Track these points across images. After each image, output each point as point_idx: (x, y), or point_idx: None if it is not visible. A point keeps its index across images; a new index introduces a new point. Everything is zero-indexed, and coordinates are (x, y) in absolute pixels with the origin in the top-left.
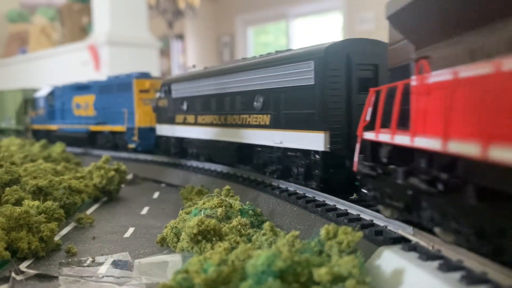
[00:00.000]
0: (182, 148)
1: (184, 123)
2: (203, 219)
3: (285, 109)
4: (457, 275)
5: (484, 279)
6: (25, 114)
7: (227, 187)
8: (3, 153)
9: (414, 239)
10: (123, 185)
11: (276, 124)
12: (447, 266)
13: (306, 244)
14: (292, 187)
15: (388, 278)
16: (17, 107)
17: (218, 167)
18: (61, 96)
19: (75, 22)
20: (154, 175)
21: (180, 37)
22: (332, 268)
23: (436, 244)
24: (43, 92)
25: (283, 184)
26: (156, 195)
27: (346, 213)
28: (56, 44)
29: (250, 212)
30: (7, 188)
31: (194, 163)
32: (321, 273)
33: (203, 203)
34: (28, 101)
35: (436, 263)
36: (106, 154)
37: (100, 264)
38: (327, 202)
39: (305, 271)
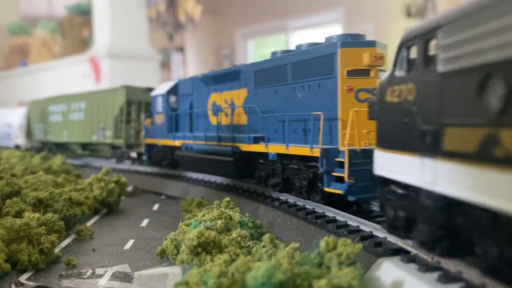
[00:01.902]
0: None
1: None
2: (203, 231)
3: None
4: (456, 286)
5: None
6: (128, 122)
7: (227, 199)
8: (3, 165)
9: (413, 250)
10: (123, 197)
11: None
12: (446, 277)
13: (305, 256)
14: (292, 198)
15: None
16: (117, 112)
17: (218, 179)
18: (189, 94)
19: (76, 35)
20: (154, 187)
21: (181, 49)
22: (332, 280)
23: (435, 255)
24: (162, 88)
25: (282, 196)
26: (156, 207)
27: (345, 225)
28: (57, 56)
29: (250, 224)
30: (8, 200)
31: (194, 175)
32: (320, 285)
33: (203, 215)
34: (134, 104)
35: (435, 275)
36: (106, 166)
37: (100, 276)
38: (327, 213)
39: (305, 283)
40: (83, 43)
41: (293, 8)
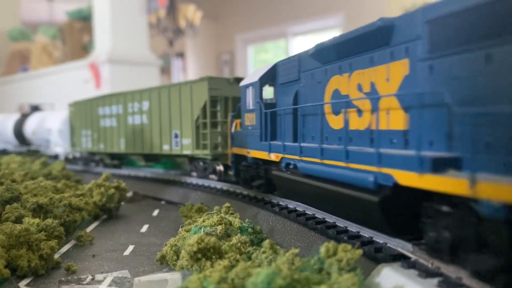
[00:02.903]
0: None
1: None
2: (203, 237)
3: None
4: None
5: None
6: (214, 126)
7: (227, 204)
8: (3, 171)
9: (413, 256)
10: (123, 203)
11: None
12: (447, 283)
13: (306, 262)
14: (292, 204)
15: None
16: (197, 113)
17: (218, 184)
18: (294, 81)
19: (76, 41)
20: (154, 193)
21: (181, 55)
22: (332, 286)
23: (435, 261)
24: (255, 75)
25: (282, 201)
26: (156, 212)
27: (345, 230)
28: (57, 62)
29: (250, 229)
30: (8, 206)
31: (194, 180)
32: None
33: (203, 221)
34: (219, 101)
35: (435, 280)
36: (106, 172)
37: (100, 282)
38: (327, 219)
39: None
40: (84, 49)
41: (293, 14)
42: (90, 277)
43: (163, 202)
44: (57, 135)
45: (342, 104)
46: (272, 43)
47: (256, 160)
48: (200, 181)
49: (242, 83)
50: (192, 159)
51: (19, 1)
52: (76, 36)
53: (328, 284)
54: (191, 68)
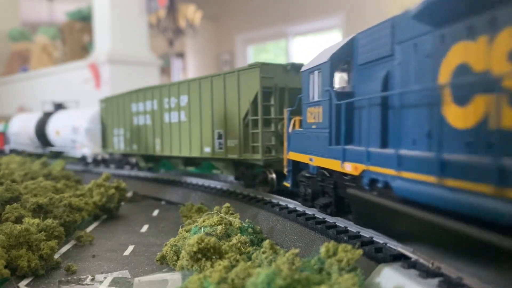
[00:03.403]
0: None
1: None
2: (203, 237)
3: None
4: None
5: None
6: (267, 125)
7: (227, 204)
8: (3, 171)
9: (413, 256)
10: (123, 203)
11: None
12: (447, 283)
13: (306, 262)
14: (292, 204)
15: None
16: (246, 108)
17: (218, 184)
18: (384, 58)
19: (76, 41)
20: (154, 193)
21: (181, 55)
22: (332, 286)
23: (435, 261)
24: (322, 55)
25: (282, 201)
26: (156, 212)
27: (346, 231)
28: (57, 62)
29: (250, 230)
30: (8, 206)
31: (194, 180)
32: None
33: (203, 221)
34: (274, 92)
35: (436, 281)
36: (106, 172)
37: (100, 282)
38: (327, 219)
39: None
40: (84, 49)
41: (293, 14)
42: (90, 277)
43: (163, 202)
44: (85, 135)
45: (475, 86)
46: (272, 43)
47: (322, 170)
48: (200, 181)
49: (304, 68)
50: (238, 164)
51: (19, 1)
52: (76, 36)
53: (328, 284)
54: (191, 68)
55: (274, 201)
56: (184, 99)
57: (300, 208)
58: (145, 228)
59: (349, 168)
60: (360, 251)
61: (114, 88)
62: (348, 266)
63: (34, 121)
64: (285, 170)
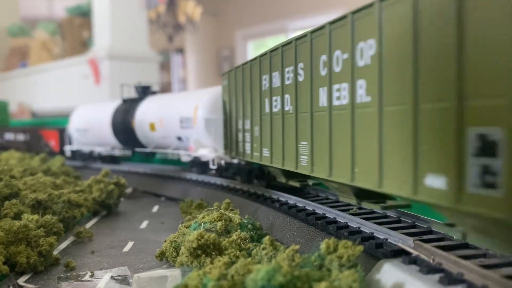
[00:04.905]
0: None
1: None
2: (202, 233)
3: None
4: None
5: None
6: None
7: (227, 200)
8: (2, 167)
9: (414, 252)
10: (122, 199)
11: None
12: (448, 279)
13: (306, 258)
14: (292, 200)
15: None
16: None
17: (218, 180)
18: None
19: (76, 36)
20: (153, 189)
21: (180, 51)
22: (333, 282)
23: (437, 257)
24: None
25: (282, 197)
26: (155, 208)
27: (346, 226)
28: (56, 58)
29: (250, 226)
30: (7, 202)
31: (194, 176)
32: None
33: (203, 217)
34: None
35: (436, 276)
36: (105, 168)
37: (99, 278)
38: (327, 215)
39: (305, 286)
40: (83, 45)
41: (293, 9)
42: (89, 273)
43: (162, 198)
44: (203, 129)
45: None
46: (272, 39)
47: None
48: (200, 177)
49: None
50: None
51: None
52: (75, 32)
53: (328, 281)
54: (190, 64)
55: (274, 197)
56: (367, 51)
57: (300, 203)
58: (144, 224)
59: None
60: (360, 247)
61: (113, 84)
62: (348, 262)
63: (109, 112)
64: None
